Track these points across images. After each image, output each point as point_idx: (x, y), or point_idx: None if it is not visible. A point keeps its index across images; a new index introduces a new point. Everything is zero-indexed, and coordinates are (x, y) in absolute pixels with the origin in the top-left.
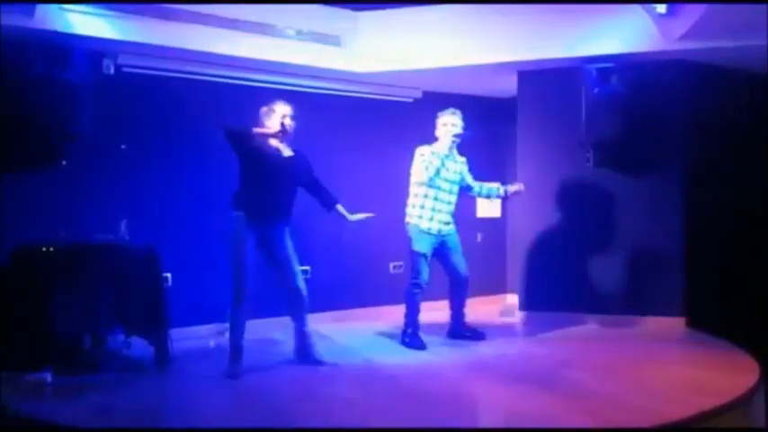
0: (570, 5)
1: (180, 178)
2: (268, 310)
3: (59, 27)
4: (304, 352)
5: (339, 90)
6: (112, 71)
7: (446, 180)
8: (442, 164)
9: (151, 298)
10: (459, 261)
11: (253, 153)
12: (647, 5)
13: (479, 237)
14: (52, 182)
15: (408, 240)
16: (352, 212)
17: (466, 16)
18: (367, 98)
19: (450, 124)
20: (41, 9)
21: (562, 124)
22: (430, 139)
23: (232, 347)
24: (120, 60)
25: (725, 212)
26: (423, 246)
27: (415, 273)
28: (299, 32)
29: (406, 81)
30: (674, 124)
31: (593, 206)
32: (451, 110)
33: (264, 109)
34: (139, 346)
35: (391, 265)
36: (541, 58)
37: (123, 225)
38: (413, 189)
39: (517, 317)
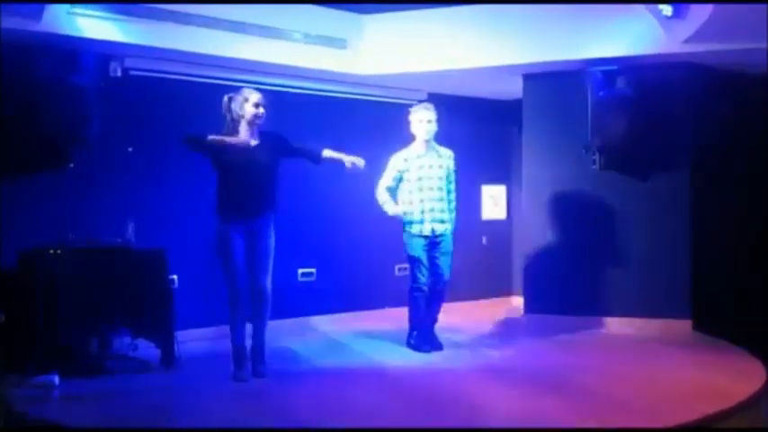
0: (576, 7)
1: (186, 181)
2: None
3: (67, 30)
4: (254, 359)
5: (344, 92)
6: (119, 74)
7: (429, 178)
8: (416, 164)
9: (157, 300)
10: (445, 264)
11: (218, 156)
12: (653, 8)
13: (485, 239)
14: (60, 185)
15: (404, 245)
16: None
17: (471, 19)
18: (372, 100)
19: (425, 120)
20: (49, 12)
21: (568, 127)
22: (437, 139)
23: (234, 351)
24: (128, 63)
25: (731, 215)
26: (415, 249)
27: (413, 277)
28: (306, 35)
29: (412, 83)
30: (680, 127)
31: (598, 209)
32: (424, 104)
33: (231, 96)
34: (145, 348)
35: (396, 267)
36: (547, 61)
37: (130, 228)
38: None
39: (522, 319)
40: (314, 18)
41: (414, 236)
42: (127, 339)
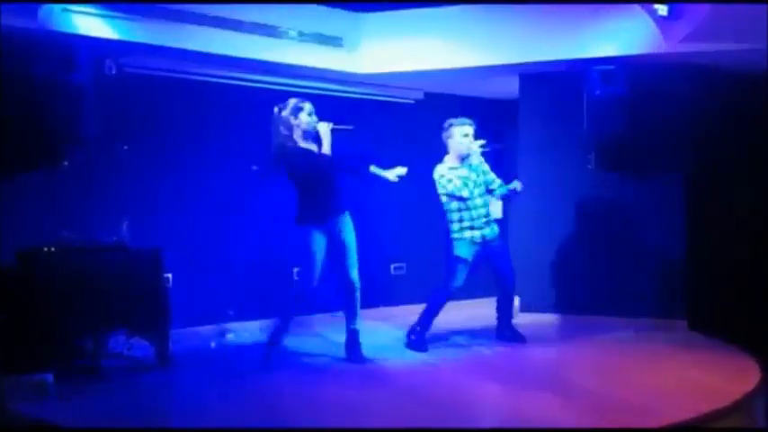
0: (572, 7)
1: (181, 179)
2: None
3: (62, 28)
4: (349, 348)
5: (341, 91)
6: (114, 72)
7: (474, 187)
8: (460, 177)
9: (152, 299)
10: (504, 266)
11: (301, 167)
12: (648, 8)
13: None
14: (54, 183)
15: (450, 248)
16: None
17: (468, 18)
18: (368, 99)
19: (470, 135)
20: (43, 10)
21: (564, 126)
22: (432, 140)
23: (272, 337)
24: (122, 61)
25: (727, 215)
26: (463, 251)
27: (451, 276)
28: (301, 34)
29: (408, 82)
30: (677, 126)
31: (594, 208)
32: (469, 120)
33: (281, 107)
34: (140, 347)
35: (392, 266)
36: (543, 60)
37: (125, 226)
38: (446, 207)
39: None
40: (310, 16)
41: (465, 239)
42: (122, 338)
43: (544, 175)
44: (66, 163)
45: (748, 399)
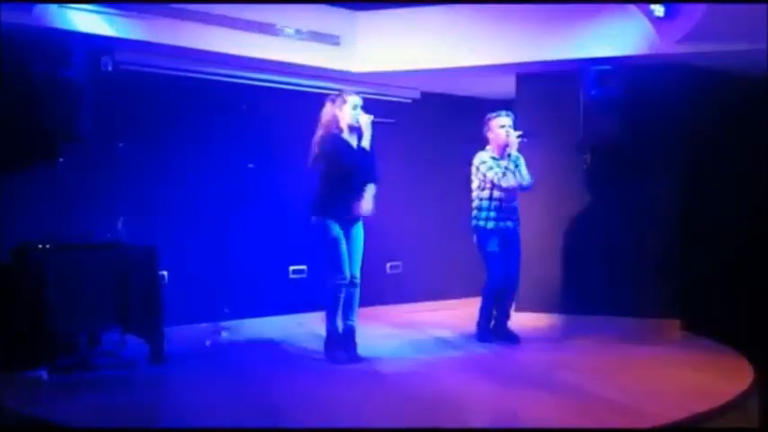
0: (569, 7)
1: (177, 176)
2: (263, 309)
3: (58, 24)
4: (346, 347)
5: (338, 90)
6: (111, 69)
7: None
8: (506, 169)
9: (147, 296)
10: (511, 266)
11: (341, 156)
12: (645, 8)
13: (475, 238)
14: (49, 180)
15: (477, 243)
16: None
17: (464, 17)
18: (365, 98)
19: (507, 126)
20: (39, 6)
21: (559, 126)
22: (431, 138)
23: (332, 336)
24: (119, 57)
25: (722, 215)
26: (492, 245)
27: (489, 271)
28: (298, 32)
29: (405, 81)
30: (672, 127)
31: (588, 208)
32: (505, 111)
33: (331, 99)
34: (135, 345)
35: (388, 265)
36: (539, 60)
37: (120, 223)
38: (475, 194)
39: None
40: (307, 14)
41: (489, 230)
42: (116, 335)
43: (539, 174)
44: (61, 160)
45: (741, 399)
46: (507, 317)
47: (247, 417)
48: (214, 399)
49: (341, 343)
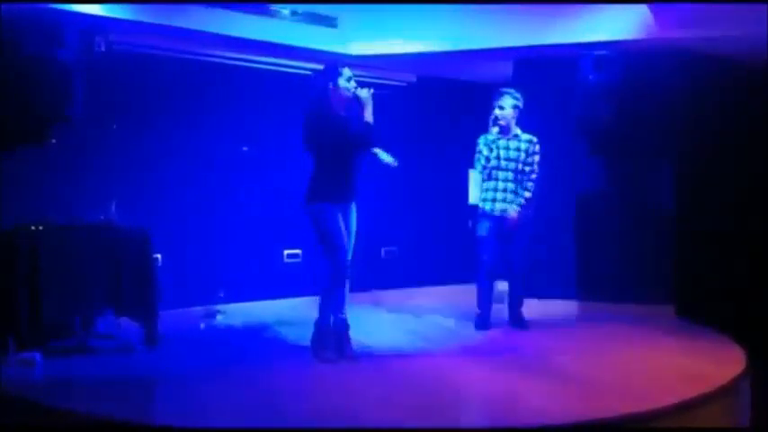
0: None
1: (170, 158)
2: (258, 292)
3: (50, 3)
4: (338, 342)
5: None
6: (104, 49)
7: (505, 159)
8: (492, 147)
9: (141, 279)
10: (513, 249)
11: (332, 134)
12: None
13: (470, 223)
14: (41, 161)
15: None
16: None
17: (462, 2)
18: (361, 81)
19: (497, 107)
20: None
21: (557, 111)
22: (425, 123)
23: (318, 329)
24: (112, 38)
25: (716, 201)
26: (481, 229)
27: (479, 256)
28: (294, 13)
29: (401, 65)
30: (669, 112)
31: (584, 193)
32: (502, 90)
33: (319, 72)
34: (129, 328)
35: (383, 249)
36: (536, 44)
37: (113, 205)
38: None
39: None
40: None
41: (484, 213)
42: (110, 318)
43: None
44: (53, 141)
45: (734, 384)
46: (518, 304)
47: (239, 400)
48: (206, 381)
49: (331, 339)
